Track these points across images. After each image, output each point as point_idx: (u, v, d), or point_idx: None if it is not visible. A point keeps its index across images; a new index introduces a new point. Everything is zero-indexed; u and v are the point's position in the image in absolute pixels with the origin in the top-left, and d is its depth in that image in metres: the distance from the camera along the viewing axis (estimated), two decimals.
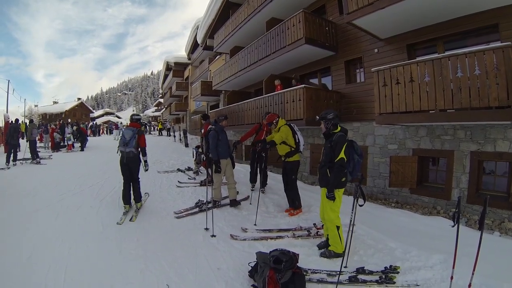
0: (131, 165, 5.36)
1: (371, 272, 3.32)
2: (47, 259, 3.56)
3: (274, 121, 5.58)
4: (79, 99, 63.00)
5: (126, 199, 5.34)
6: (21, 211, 5.22)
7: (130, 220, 4.96)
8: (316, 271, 3.31)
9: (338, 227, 3.75)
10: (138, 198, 5.52)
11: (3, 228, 4.49)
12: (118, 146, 5.49)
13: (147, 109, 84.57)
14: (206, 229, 4.58)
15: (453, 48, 6.06)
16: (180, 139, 19.59)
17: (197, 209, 5.49)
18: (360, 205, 3.40)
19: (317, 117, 3.97)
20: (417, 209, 6.15)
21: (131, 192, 5.44)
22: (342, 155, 3.62)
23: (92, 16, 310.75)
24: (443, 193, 5.97)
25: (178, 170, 9.33)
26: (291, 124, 5.57)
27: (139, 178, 5.57)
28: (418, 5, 5.52)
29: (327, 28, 8.18)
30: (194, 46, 23.29)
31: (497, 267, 3.36)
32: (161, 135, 30.40)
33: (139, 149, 5.46)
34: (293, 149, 5.31)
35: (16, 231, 4.36)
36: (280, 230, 4.47)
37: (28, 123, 12.28)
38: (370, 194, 7.20)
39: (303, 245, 4.05)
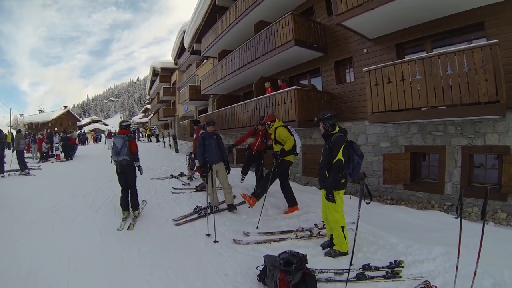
0: (126, 173, 5.31)
1: (377, 268, 3.36)
2: (47, 274, 3.43)
3: (269, 122, 5.64)
4: (65, 107, 62.34)
5: (124, 206, 5.32)
6: (15, 224, 5.08)
7: (128, 229, 4.87)
8: (323, 271, 3.32)
9: (343, 227, 3.77)
10: (135, 206, 5.42)
11: None
12: (111, 156, 5.42)
13: (134, 116, 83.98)
14: (208, 235, 4.50)
15: (441, 47, 6.24)
16: (170, 145, 19.36)
17: (196, 215, 5.42)
18: (367, 203, 3.43)
19: (315, 119, 3.97)
20: (412, 205, 6.26)
21: (129, 199, 5.38)
22: (340, 156, 3.60)
23: (76, 23, 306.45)
24: (437, 188, 6.10)
25: (171, 176, 9.21)
26: (288, 126, 5.60)
27: (136, 186, 5.51)
28: (406, 6, 5.65)
29: (315, 30, 8.27)
30: (180, 51, 23.19)
31: (496, 255, 3.46)
32: (150, 141, 30.01)
33: (132, 156, 5.37)
34: (283, 150, 5.35)
35: (12, 246, 4.20)
36: (282, 232, 4.46)
37: (15, 133, 11.91)
38: (364, 192, 7.28)
39: (306, 246, 4.04)
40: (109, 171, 9.85)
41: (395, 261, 3.47)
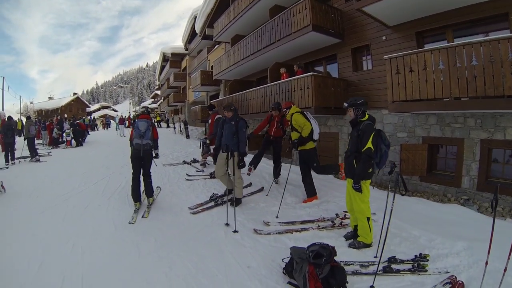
0: (145, 158, 5.21)
1: (402, 261, 3.38)
2: (60, 267, 3.30)
3: (285, 109, 5.65)
4: (74, 93, 62.72)
5: (136, 196, 5.16)
6: (25, 214, 4.97)
7: (142, 216, 4.82)
8: (348, 263, 3.35)
9: (368, 218, 3.76)
10: (150, 193, 5.35)
11: (8, 233, 4.22)
12: (133, 139, 5.20)
13: (144, 101, 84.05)
14: (227, 224, 4.47)
15: (462, 36, 6.09)
16: (181, 131, 19.38)
17: (212, 203, 5.43)
18: (402, 195, 3.42)
19: (345, 104, 3.90)
20: (428, 197, 6.25)
21: (140, 188, 5.25)
22: (369, 144, 3.56)
23: (85, 9, 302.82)
24: (453, 181, 6.06)
25: (184, 162, 9.27)
26: (305, 112, 5.56)
27: (150, 172, 5.41)
28: None
29: (333, 15, 8.06)
30: (191, 36, 22.86)
31: None
32: (160, 127, 30.10)
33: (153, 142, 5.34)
34: (301, 137, 5.31)
35: (22, 236, 4.08)
36: (303, 222, 4.49)
37: (25, 120, 11.95)
38: (379, 182, 7.29)
39: (329, 237, 4.07)
40: (120, 157, 9.99)
41: (420, 254, 3.48)
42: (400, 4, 5.94)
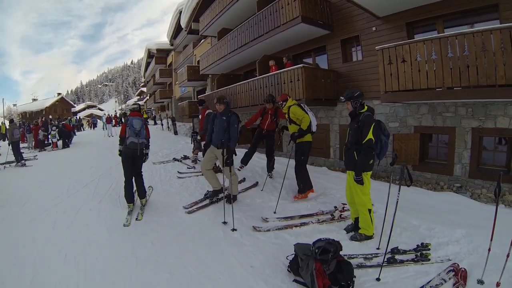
0: (137, 158, 4.96)
1: (405, 252, 3.38)
2: (53, 281, 3.07)
3: (281, 102, 5.52)
4: (59, 94, 60.93)
5: (129, 197, 4.95)
6: (13, 222, 4.66)
7: (136, 219, 4.62)
8: (352, 256, 3.32)
9: (369, 210, 3.73)
10: (143, 194, 5.11)
11: None
12: (127, 137, 4.89)
13: (129, 99, 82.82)
14: (224, 222, 4.33)
15: (452, 27, 6.14)
16: (168, 127, 19.04)
17: (207, 201, 5.28)
18: (408, 186, 3.40)
19: (342, 98, 3.84)
20: (421, 185, 6.32)
21: (133, 188, 5.05)
22: (370, 135, 3.53)
23: (68, 7, 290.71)
24: (446, 169, 6.15)
25: (174, 159, 9.05)
26: (301, 104, 5.47)
27: (142, 172, 5.19)
28: None
29: (321, 7, 8.00)
30: (176, 31, 22.54)
31: None
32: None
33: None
34: (301, 130, 5.19)
35: (10, 248, 3.80)
36: (302, 216, 4.43)
37: (8, 124, 11.39)
38: (373, 173, 7.29)
39: (329, 230, 4.03)
40: (108, 158, 9.71)
41: (422, 244, 3.50)
42: None
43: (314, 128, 5.25)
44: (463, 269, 2.91)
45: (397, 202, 3.14)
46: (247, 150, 6.68)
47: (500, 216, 4.49)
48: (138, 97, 65.94)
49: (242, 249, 3.65)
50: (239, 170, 6.37)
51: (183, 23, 17.23)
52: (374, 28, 7.16)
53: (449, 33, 5.18)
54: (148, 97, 43.23)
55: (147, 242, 3.90)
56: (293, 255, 3.14)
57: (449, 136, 6.10)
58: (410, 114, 6.62)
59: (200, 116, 7.75)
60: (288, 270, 3.13)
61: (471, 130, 5.73)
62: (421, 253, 3.31)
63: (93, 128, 32.11)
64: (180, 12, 17.95)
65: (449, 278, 2.84)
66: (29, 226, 4.53)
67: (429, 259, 3.22)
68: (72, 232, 4.23)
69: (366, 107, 3.75)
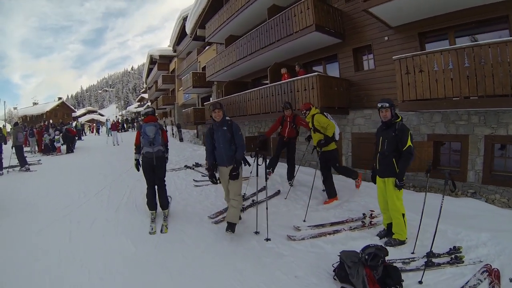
0: (158, 166, 4.79)
1: (439, 255, 3.54)
2: None
3: (304, 110, 5.61)
4: (59, 98, 60.17)
5: (152, 205, 4.83)
6: (21, 233, 4.32)
7: (161, 232, 4.42)
8: (391, 261, 3.42)
9: (403, 215, 3.88)
10: (165, 205, 4.93)
11: (3, 260, 3.54)
12: (142, 147, 4.72)
13: (129, 105, 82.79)
14: (257, 232, 4.29)
15: (463, 37, 6.39)
16: (173, 134, 18.90)
17: None
18: (452, 191, 3.54)
19: (386, 104, 3.89)
20: (435, 192, 6.48)
21: (157, 197, 4.91)
22: (409, 143, 3.74)
23: (68, 12, 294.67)
24: (459, 176, 6.29)
25: (186, 167, 9.07)
26: (324, 113, 5.59)
27: (165, 180, 5.01)
28: None
29: (334, 15, 8.17)
30: (180, 37, 22.60)
31: None
32: None
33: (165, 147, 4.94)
34: (328, 137, 5.31)
35: (21, 264, 3.44)
36: (333, 224, 4.54)
37: (10, 127, 11.25)
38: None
39: (363, 237, 4.14)
40: (116, 164, 9.66)
41: (454, 247, 3.66)
42: (406, 5, 6.10)
43: (337, 137, 5.38)
44: (496, 269, 3.08)
45: (441, 208, 3.28)
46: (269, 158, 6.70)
47: None
48: (139, 103, 65.75)
49: (281, 260, 3.62)
50: (268, 177, 6.37)
51: (188, 29, 17.28)
52: (386, 38, 7.35)
53: (465, 44, 5.39)
54: (149, 103, 43.15)
55: (178, 255, 3.73)
56: (338, 263, 3.23)
57: (462, 144, 6.28)
58: (424, 122, 6.80)
59: None
60: (334, 278, 3.20)
61: (484, 137, 5.92)
62: (455, 256, 3.48)
63: (97, 134, 31.49)
64: (184, 19, 18.12)
65: (484, 278, 3.00)
66: (40, 237, 4.20)
67: (463, 261, 3.39)
68: (91, 245, 3.94)
69: (400, 117, 3.89)
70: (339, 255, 3.27)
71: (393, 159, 3.85)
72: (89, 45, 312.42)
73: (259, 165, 4.59)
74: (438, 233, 3.99)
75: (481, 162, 6.00)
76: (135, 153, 4.87)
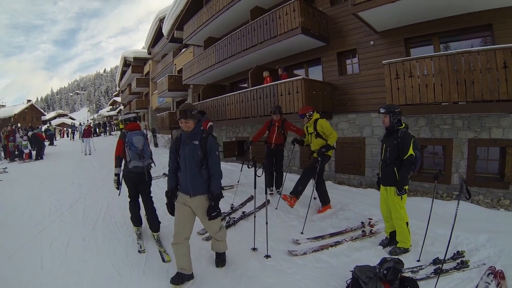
0: (144, 181, 4.16)
1: (444, 261, 3.39)
2: None
3: (307, 114, 5.33)
4: (29, 101, 56.38)
5: (137, 220, 4.24)
6: None
7: (164, 260, 3.63)
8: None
9: (407, 223, 3.77)
10: (156, 225, 4.18)
11: None
12: (129, 161, 4.02)
13: (102, 109, 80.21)
14: (254, 249, 3.84)
15: (448, 42, 6.55)
16: (148, 139, 18.01)
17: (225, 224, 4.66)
18: (467, 199, 3.44)
19: (382, 109, 3.81)
20: (421, 195, 6.55)
21: (140, 211, 4.29)
22: (411, 151, 3.59)
23: (41, 10, 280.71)
24: (444, 179, 6.40)
25: (165, 174, 8.51)
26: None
27: (151, 195, 4.31)
28: (426, 1, 5.73)
29: (319, 19, 8.11)
30: (155, 39, 22.10)
31: None
32: None
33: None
34: (328, 146, 5.07)
35: None
36: (332, 235, 4.29)
37: None
38: (370, 184, 7.47)
39: (365, 247, 3.96)
40: (90, 172, 8.94)
41: (458, 252, 3.61)
42: (394, 11, 6.12)
43: (335, 144, 5.19)
44: (500, 271, 3.06)
45: (456, 215, 3.17)
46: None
47: (505, 220, 4.84)
48: (111, 106, 63.31)
49: (287, 279, 3.26)
50: (271, 195, 6.01)
51: (165, 31, 16.70)
52: (372, 42, 7.39)
53: (456, 50, 5.47)
54: (123, 107, 41.29)
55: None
56: (351, 279, 3.01)
57: (446, 147, 6.39)
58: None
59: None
60: None
61: (467, 141, 6.06)
62: (461, 261, 3.42)
63: (72, 139, 28.40)
64: (161, 20, 17.61)
65: (491, 281, 2.98)
66: (9, 265, 3.53)
67: (468, 266, 3.35)
68: (67, 273, 3.34)
69: (404, 124, 3.77)
70: (351, 271, 3.05)
71: (394, 168, 3.71)
72: (61, 46, 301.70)
73: (258, 176, 4.10)
74: (438, 238, 4.01)
75: (465, 165, 6.14)
76: (115, 166, 4.15)
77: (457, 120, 6.15)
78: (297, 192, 5.21)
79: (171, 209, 3.23)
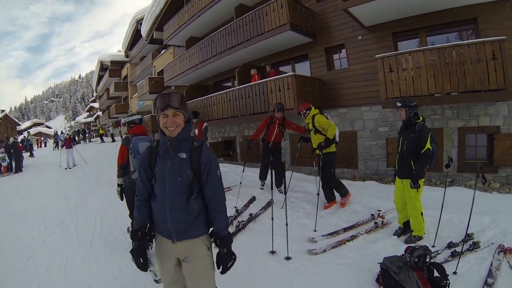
0: None
1: (458, 244, 3.59)
2: None
3: (304, 110, 5.30)
4: (2, 111, 54.19)
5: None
6: None
7: None
8: None
9: (422, 213, 3.85)
10: None
11: None
12: (133, 171, 3.56)
13: (78, 115, 77.31)
14: (272, 252, 3.72)
15: (434, 35, 6.77)
16: None
17: (234, 229, 4.46)
18: (483, 183, 3.56)
19: (399, 103, 3.85)
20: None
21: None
22: (428, 145, 3.65)
23: (12, 15, 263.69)
24: (435, 167, 6.55)
25: None
26: (324, 113, 5.36)
27: None
28: None
29: (306, 15, 8.12)
30: (132, 42, 21.31)
31: None
32: (103, 141, 25.40)
33: None
34: (328, 139, 5.04)
35: None
36: (346, 230, 4.29)
37: None
38: (363, 176, 7.61)
39: (381, 238, 4.00)
40: (75, 183, 8.41)
41: (468, 234, 3.69)
42: (384, 6, 6.24)
43: (337, 138, 5.16)
44: (509, 248, 3.32)
45: (473, 201, 3.34)
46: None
47: (501, 202, 5.06)
48: (88, 113, 60.67)
49: (313, 279, 3.18)
50: (262, 189, 5.97)
51: (143, 32, 16.10)
52: (360, 37, 7.49)
53: (447, 43, 5.68)
54: (101, 113, 39.38)
55: None
56: (381, 271, 3.02)
57: (437, 136, 6.56)
58: (400, 118, 7.02)
59: (196, 131, 6.81)
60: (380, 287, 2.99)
61: (457, 129, 6.31)
62: (473, 242, 3.60)
63: (56, 148, 26.26)
64: (138, 22, 17.05)
65: (502, 258, 3.20)
66: None
67: (479, 246, 3.53)
68: None
69: (421, 118, 3.82)
70: (379, 263, 3.08)
71: (411, 161, 3.77)
72: (34, 52, 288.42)
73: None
74: (446, 224, 4.11)
75: (455, 152, 6.39)
76: (118, 176, 3.74)
77: (446, 110, 6.37)
78: (343, 193, 5.29)
79: (142, 260, 1.92)
